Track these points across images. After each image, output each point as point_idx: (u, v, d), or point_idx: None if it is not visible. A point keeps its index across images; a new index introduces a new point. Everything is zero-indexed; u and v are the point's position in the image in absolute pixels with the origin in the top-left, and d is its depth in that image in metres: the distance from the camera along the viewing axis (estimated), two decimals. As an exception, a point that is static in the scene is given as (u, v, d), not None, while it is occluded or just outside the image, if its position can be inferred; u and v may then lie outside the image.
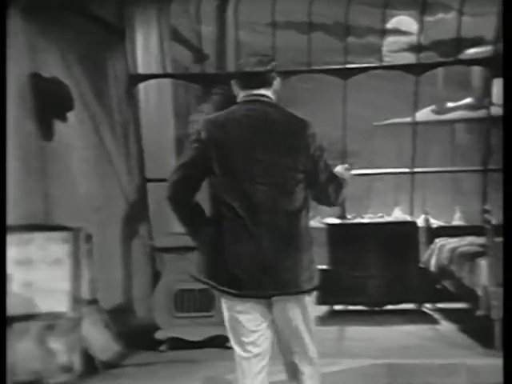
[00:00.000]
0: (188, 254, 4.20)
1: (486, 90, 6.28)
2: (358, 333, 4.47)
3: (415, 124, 5.63)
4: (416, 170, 5.56)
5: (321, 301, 5.05)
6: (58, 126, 3.81)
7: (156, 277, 4.60)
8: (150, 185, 5.26)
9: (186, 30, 5.96)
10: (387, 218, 5.21)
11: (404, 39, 6.99)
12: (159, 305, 4.21)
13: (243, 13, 5.86)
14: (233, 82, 2.28)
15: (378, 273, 4.98)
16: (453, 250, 4.56)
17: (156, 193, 5.37)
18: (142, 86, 5.25)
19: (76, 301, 3.56)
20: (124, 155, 4.86)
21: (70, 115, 3.87)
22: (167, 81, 5.65)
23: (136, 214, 4.96)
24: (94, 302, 3.90)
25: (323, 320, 4.91)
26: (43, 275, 3.43)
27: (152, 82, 5.38)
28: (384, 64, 5.65)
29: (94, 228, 4.09)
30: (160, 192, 5.51)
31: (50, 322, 3.44)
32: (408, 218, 5.15)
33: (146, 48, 5.38)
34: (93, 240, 3.91)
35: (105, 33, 4.61)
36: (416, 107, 5.68)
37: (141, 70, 5.25)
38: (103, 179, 4.40)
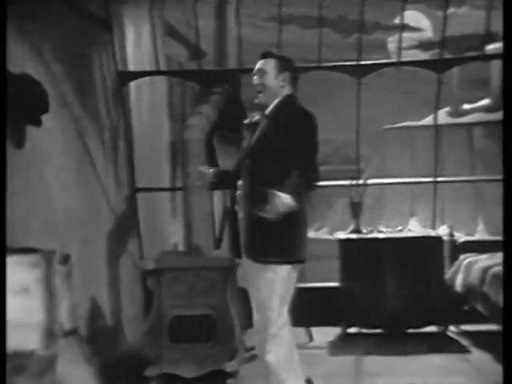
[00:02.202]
0: (185, 276, 3.59)
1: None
2: (377, 364, 3.83)
3: (437, 127, 5.02)
4: (440, 179, 4.94)
5: (332, 322, 4.46)
6: (31, 131, 3.16)
7: (148, 296, 3.96)
8: (140, 195, 4.63)
9: (181, 25, 5.34)
10: (409, 233, 4.56)
11: (413, 36, 6.43)
12: (150, 335, 3.56)
13: (245, 6, 5.27)
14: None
15: (397, 292, 4.35)
16: (485, 269, 3.93)
17: (148, 204, 4.75)
18: (133, 84, 4.63)
19: (50, 335, 2.90)
20: (112, 162, 4.22)
21: (46, 118, 3.22)
22: (161, 79, 5.03)
23: (124, 229, 4.33)
24: (73, 332, 3.25)
25: (335, 346, 4.28)
26: (8, 307, 2.78)
27: (144, 80, 4.75)
28: (402, 60, 5.05)
29: (75, 246, 3.48)
30: (152, 202, 5.00)
31: (18, 363, 2.79)
32: (432, 233, 4.52)
33: (137, 43, 4.76)
34: (72, 260, 3.29)
35: (88, 25, 3.98)
36: (437, 108, 5.07)
37: (131, 67, 4.63)
38: (86, 190, 3.77)
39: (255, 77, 2.50)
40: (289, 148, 2.33)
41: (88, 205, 3.76)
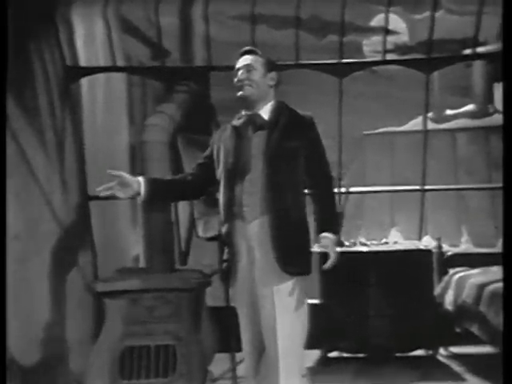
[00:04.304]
0: (143, 299, 2.99)
1: (489, 96, 5.36)
2: (364, 396, 3.28)
3: (420, 132, 4.60)
4: (427, 187, 4.50)
5: (311, 344, 3.91)
6: None
7: (100, 321, 3.32)
8: (94, 203, 4.01)
9: (141, 22, 4.79)
10: (395, 246, 4.06)
11: (390, 39, 6.08)
12: (97, 369, 2.92)
13: (212, 3, 4.77)
14: None
15: (382, 311, 3.83)
16: (480, 286, 3.44)
17: (104, 213, 4.14)
18: (85, 82, 4.03)
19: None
20: (56, 168, 3.60)
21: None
22: (119, 77, 4.44)
23: (74, 241, 3.69)
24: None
25: (315, 373, 3.70)
26: None
27: (99, 78, 4.16)
28: (388, 59, 4.66)
29: (8, 262, 2.85)
30: (109, 211, 4.37)
31: None
32: (420, 245, 4.02)
33: (90, 38, 4.18)
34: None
35: (25, 16, 3.37)
36: (426, 111, 4.67)
37: (83, 63, 4.04)
38: (23, 199, 3.14)
39: (240, 71, 2.25)
40: (302, 153, 2.19)
41: (25, 216, 3.14)
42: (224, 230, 2.18)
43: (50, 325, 3.35)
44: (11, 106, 3.12)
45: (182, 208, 4.20)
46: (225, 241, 2.19)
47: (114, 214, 4.34)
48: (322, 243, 2.15)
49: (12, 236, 3.00)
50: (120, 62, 4.40)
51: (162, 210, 3.40)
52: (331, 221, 2.20)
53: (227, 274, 2.19)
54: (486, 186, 4.78)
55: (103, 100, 4.23)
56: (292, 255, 2.13)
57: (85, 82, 4.02)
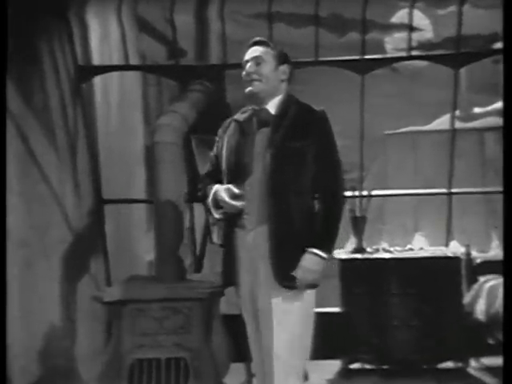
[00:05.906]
0: (152, 309, 2.80)
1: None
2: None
3: (446, 132, 4.33)
4: (454, 190, 4.24)
5: (331, 355, 3.67)
6: None
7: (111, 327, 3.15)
8: (108, 207, 3.85)
9: (158, 21, 4.63)
10: (420, 252, 3.79)
11: (412, 36, 5.81)
12: (104, 382, 2.74)
13: (228, 2, 4.58)
14: None
15: (407, 321, 3.57)
16: (516, 295, 3.15)
17: (119, 217, 3.97)
18: (98, 81, 3.88)
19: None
20: (70, 170, 3.45)
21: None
22: (134, 77, 4.28)
23: (85, 246, 3.53)
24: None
25: (335, 386, 3.49)
26: None
27: (113, 77, 4.00)
28: (415, 55, 4.42)
29: (14, 269, 2.71)
30: (124, 216, 4.22)
31: None
32: (448, 252, 3.75)
33: (104, 37, 4.03)
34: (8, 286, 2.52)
35: (36, 11, 3.23)
36: (454, 109, 4.41)
37: (96, 61, 3.88)
38: (32, 203, 3.00)
39: (249, 64, 2.06)
40: (311, 152, 1.97)
41: (34, 220, 2.99)
42: (225, 238, 2.02)
43: (61, 333, 3.19)
44: (19, 104, 2.98)
45: (199, 213, 4.02)
46: (226, 249, 2.02)
47: (128, 218, 4.18)
48: (301, 261, 1.91)
49: (20, 241, 2.86)
50: (134, 61, 4.25)
51: (174, 215, 3.21)
52: (325, 236, 1.94)
53: (227, 284, 2.06)
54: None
55: (117, 100, 4.08)
56: (292, 268, 1.91)
57: (98, 80, 3.87)
